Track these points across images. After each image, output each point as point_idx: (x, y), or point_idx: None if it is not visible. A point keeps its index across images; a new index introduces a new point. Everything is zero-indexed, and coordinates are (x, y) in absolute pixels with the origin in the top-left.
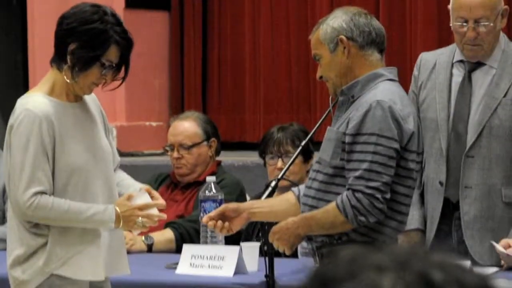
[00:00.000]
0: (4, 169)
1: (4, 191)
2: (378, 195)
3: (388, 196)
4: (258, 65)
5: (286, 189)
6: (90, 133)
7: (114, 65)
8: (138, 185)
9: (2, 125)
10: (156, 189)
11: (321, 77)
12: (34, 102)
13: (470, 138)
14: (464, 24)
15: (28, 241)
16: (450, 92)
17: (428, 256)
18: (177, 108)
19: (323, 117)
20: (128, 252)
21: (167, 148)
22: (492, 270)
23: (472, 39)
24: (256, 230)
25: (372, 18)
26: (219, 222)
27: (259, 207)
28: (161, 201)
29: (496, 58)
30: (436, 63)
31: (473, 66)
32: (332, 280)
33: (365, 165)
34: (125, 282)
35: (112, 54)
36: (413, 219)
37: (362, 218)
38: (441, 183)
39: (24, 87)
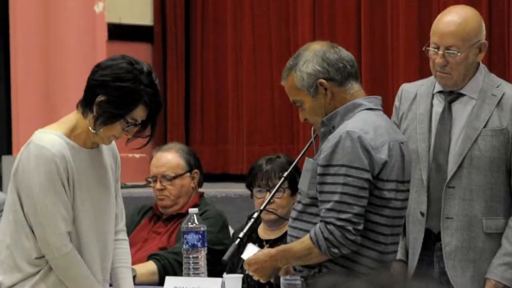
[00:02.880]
0: (9, 202)
1: None
2: (350, 227)
3: (360, 227)
4: (241, 97)
5: (272, 222)
6: (100, 182)
7: (138, 123)
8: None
9: None
10: (139, 221)
11: (305, 119)
12: (51, 141)
13: (451, 169)
14: (436, 50)
15: (18, 267)
16: (431, 123)
17: (407, 283)
18: (160, 140)
19: (305, 148)
20: (110, 284)
21: (150, 180)
22: None
23: (441, 67)
24: (240, 262)
25: (340, 49)
26: None
27: None
28: None
29: (476, 89)
30: (417, 94)
31: (453, 97)
32: None
33: (336, 197)
34: None
35: (138, 113)
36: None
37: (335, 250)
38: (422, 213)
39: (6, 118)
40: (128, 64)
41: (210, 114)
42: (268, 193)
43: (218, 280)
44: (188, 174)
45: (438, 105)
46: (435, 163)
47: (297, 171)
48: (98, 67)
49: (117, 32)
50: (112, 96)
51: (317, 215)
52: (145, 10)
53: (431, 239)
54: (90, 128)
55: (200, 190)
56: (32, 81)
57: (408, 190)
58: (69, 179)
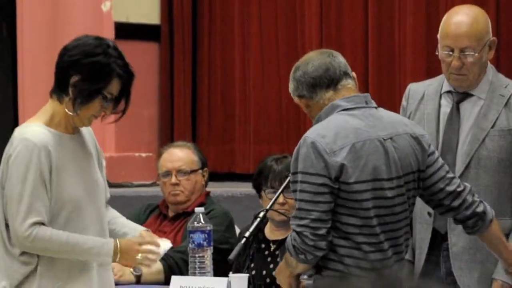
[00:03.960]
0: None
1: None
2: (307, 233)
3: (320, 231)
4: (248, 96)
5: (283, 223)
6: (86, 165)
7: (114, 98)
8: (133, 225)
9: None
10: (145, 220)
11: None
12: (33, 132)
13: (458, 169)
14: (450, 53)
15: (13, 272)
16: (439, 123)
17: (408, 283)
18: (167, 138)
19: None
20: (117, 283)
21: (163, 174)
22: None
23: (457, 69)
24: (247, 261)
25: (309, 62)
26: None
27: None
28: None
29: (484, 89)
30: (425, 94)
31: (461, 97)
32: None
33: (297, 204)
34: None
35: (114, 87)
36: None
37: (302, 256)
38: (429, 214)
39: (14, 119)
40: (94, 40)
41: (217, 113)
42: (282, 194)
43: (224, 280)
44: (201, 170)
45: (446, 105)
46: None
47: None
48: (65, 50)
49: (124, 31)
50: (86, 73)
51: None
52: (152, 9)
53: (438, 239)
54: (68, 112)
55: (207, 189)
56: (39, 81)
57: (403, 185)
58: (52, 167)
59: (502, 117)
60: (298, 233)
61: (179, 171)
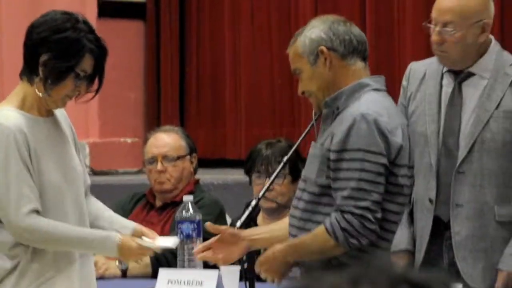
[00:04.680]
0: None
1: None
2: (369, 215)
3: (379, 215)
4: (239, 77)
5: (272, 211)
6: (62, 150)
7: (88, 75)
8: (126, 223)
9: None
10: (131, 210)
11: (303, 93)
12: (5, 116)
13: (461, 153)
14: (432, 26)
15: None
16: (440, 104)
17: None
18: (153, 123)
19: (305, 131)
20: (102, 277)
21: (149, 161)
22: None
23: (437, 44)
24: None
25: (352, 25)
26: (213, 254)
27: (259, 233)
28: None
29: (487, 67)
30: (426, 73)
31: (463, 76)
32: None
33: (352, 184)
34: None
35: (87, 63)
36: (401, 239)
37: (354, 241)
38: (431, 200)
39: None
40: (62, 15)
41: (206, 96)
42: (267, 179)
43: (214, 272)
44: (189, 156)
45: (448, 85)
46: (445, 147)
47: (298, 156)
48: (32, 27)
49: (108, 9)
50: (56, 51)
51: (330, 205)
52: None
53: (440, 228)
54: (40, 93)
55: (196, 176)
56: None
57: (412, 176)
58: (30, 151)
59: (507, 98)
60: (358, 215)
61: (165, 157)
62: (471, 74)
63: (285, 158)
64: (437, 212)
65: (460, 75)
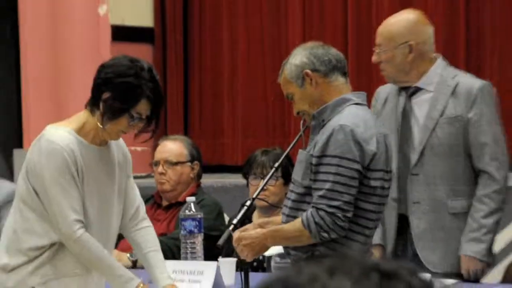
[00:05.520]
0: (21, 189)
1: None
2: (339, 214)
3: (349, 214)
4: (236, 94)
5: (265, 209)
6: (105, 180)
7: (143, 117)
8: (160, 274)
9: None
10: None
11: (298, 113)
12: (61, 137)
13: (414, 158)
14: (375, 48)
15: (23, 250)
16: (398, 118)
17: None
18: (160, 134)
19: (294, 140)
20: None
21: (154, 163)
22: (451, 281)
23: (376, 63)
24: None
25: (329, 47)
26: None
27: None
28: None
29: (433, 81)
30: (389, 93)
31: (412, 91)
32: (293, 286)
33: (328, 185)
34: None
35: (142, 107)
36: (375, 236)
37: (325, 234)
38: (394, 199)
39: (17, 114)
40: (129, 62)
41: (207, 110)
42: (262, 180)
43: (213, 264)
44: (189, 163)
45: (402, 101)
46: (401, 154)
47: (289, 162)
48: (103, 67)
49: (120, 33)
50: (116, 92)
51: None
52: (147, 12)
53: (404, 223)
54: (98, 124)
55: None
56: (41, 80)
57: (390, 179)
58: (78, 172)
59: (449, 106)
60: (329, 213)
61: (166, 162)
62: (419, 89)
63: (276, 164)
64: (400, 210)
65: (409, 91)
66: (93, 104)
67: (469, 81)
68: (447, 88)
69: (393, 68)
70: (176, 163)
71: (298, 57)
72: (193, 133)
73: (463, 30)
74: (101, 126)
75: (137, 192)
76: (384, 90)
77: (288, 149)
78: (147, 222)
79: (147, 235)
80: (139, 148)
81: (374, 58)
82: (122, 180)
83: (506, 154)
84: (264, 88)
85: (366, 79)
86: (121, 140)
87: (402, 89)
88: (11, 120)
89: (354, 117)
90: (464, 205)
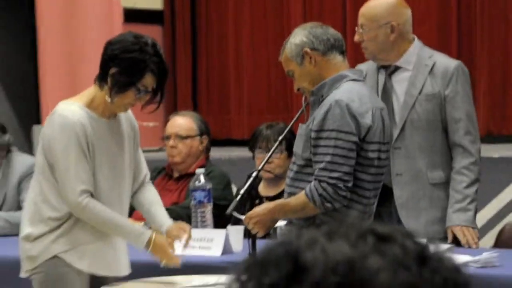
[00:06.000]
0: (39, 163)
1: (19, 183)
2: (340, 184)
3: (350, 184)
4: (241, 72)
5: (271, 180)
6: (116, 150)
7: (149, 90)
8: (165, 221)
9: (18, 128)
10: (153, 180)
11: (298, 89)
12: (72, 111)
13: (395, 132)
14: (356, 28)
15: (47, 219)
16: (378, 95)
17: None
18: (171, 110)
19: (297, 115)
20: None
21: (165, 137)
22: (445, 246)
23: (358, 42)
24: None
25: (327, 27)
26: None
27: None
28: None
29: (410, 60)
30: (367, 72)
31: (391, 69)
32: (294, 249)
33: (328, 158)
34: None
35: (148, 81)
36: None
37: (328, 205)
38: None
39: (35, 93)
40: (134, 38)
41: (214, 88)
42: (267, 153)
43: (222, 231)
44: (198, 137)
45: (381, 79)
46: None
47: (293, 136)
48: (109, 44)
49: (132, 15)
50: (122, 67)
51: (311, 174)
52: None
53: (388, 193)
54: (107, 98)
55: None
56: (57, 60)
57: (388, 150)
58: (88, 145)
59: (427, 84)
60: (331, 184)
61: (176, 136)
62: (398, 68)
63: (280, 137)
64: (384, 181)
65: (389, 69)
66: (101, 79)
67: (445, 61)
68: (425, 67)
69: (375, 46)
70: (186, 137)
71: (298, 36)
72: (202, 109)
73: (455, 25)
74: (110, 100)
75: (144, 161)
76: (361, 68)
77: (291, 123)
78: (149, 183)
79: (148, 191)
80: (151, 124)
81: (356, 38)
82: (131, 150)
83: (478, 129)
84: (268, 67)
85: (363, 60)
86: (129, 113)
87: (382, 67)
88: (30, 99)
89: (350, 93)
90: (441, 176)
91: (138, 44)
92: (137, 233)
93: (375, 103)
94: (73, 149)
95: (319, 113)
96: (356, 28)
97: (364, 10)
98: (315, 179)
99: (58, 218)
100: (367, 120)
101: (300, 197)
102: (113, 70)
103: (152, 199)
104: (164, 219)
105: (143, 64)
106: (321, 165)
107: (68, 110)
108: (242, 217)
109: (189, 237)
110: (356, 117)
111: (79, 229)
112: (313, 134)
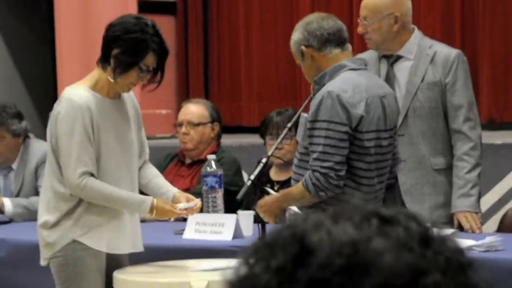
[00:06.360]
0: (48, 150)
1: (37, 169)
2: (332, 174)
3: (342, 173)
4: (251, 61)
5: (282, 166)
6: (123, 127)
7: (151, 69)
8: (170, 188)
9: (35, 115)
10: (166, 166)
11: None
12: (78, 94)
13: (399, 120)
14: (359, 20)
15: (60, 206)
16: None
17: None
18: (183, 98)
19: (305, 102)
20: (143, 221)
21: (178, 124)
22: (449, 230)
23: (361, 33)
24: (255, 200)
25: (324, 20)
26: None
27: None
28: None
29: (412, 50)
30: (368, 61)
31: (393, 59)
32: (300, 232)
33: (320, 148)
34: None
35: (149, 60)
36: None
37: (322, 193)
38: None
39: (53, 81)
40: (134, 19)
41: (225, 76)
42: (286, 139)
43: (233, 216)
44: (209, 124)
45: (383, 68)
46: None
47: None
48: (110, 26)
49: (146, 6)
50: (124, 47)
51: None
52: None
53: (392, 181)
54: (110, 79)
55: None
56: (73, 50)
57: (392, 136)
58: (93, 126)
59: (429, 72)
60: (323, 173)
61: (189, 123)
62: (400, 57)
63: (289, 124)
64: None
65: (391, 59)
66: (104, 60)
67: (445, 50)
68: (426, 57)
69: (379, 36)
70: (198, 124)
71: (296, 33)
72: (213, 97)
73: (458, 16)
74: (113, 80)
75: (145, 140)
76: (363, 57)
77: (300, 110)
78: (151, 164)
79: (151, 168)
80: (164, 111)
81: (360, 29)
82: (136, 129)
83: (478, 115)
84: (277, 55)
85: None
86: (131, 93)
87: (383, 56)
88: (48, 87)
89: (344, 83)
90: (443, 162)
91: (139, 24)
92: (139, 201)
93: (373, 91)
94: (77, 132)
95: (313, 103)
96: (359, 20)
97: (367, 1)
98: (310, 169)
99: (70, 204)
100: (358, 111)
101: (299, 187)
102: (116, 51)
103: (156, 173)
104: (170, 187)
105: (145, 44)
106: (314, 155)
107: (75, 94)
108: (272, 191)
109: (196, 207)
110: (347, 107)
111: (92, 212)
112: (308, 125)
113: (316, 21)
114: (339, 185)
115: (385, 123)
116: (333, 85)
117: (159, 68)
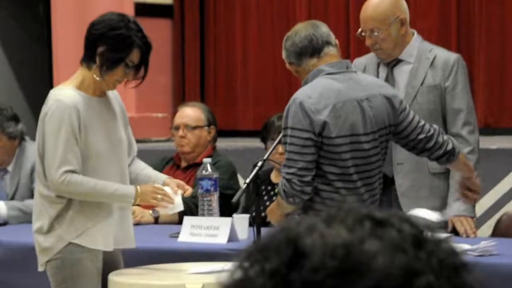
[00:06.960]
0: (36, 153)
1: (32, 171)
2: (295, 179)
3: (306, 178)
4: (248, 65)
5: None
6: (110, 125)
7: (135, 65)
8: (160, 175)
9: (31, 118)
10: (161, 169)
11: None
12: (65, 95)
13: None
14: (363, 34)
15: (49, 211)
16: None
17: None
18: (179, 101)
19: None
20: (138, 224)
21: (174, 128)
22: (443, 235)
23: (372, 45)
24: (254, 203)
25: (296, 34)
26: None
27: None
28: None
29: (412, 54)
30: (366, 65)
31: (394, 63)
32: (294, 235)
33: (286, 155)
34: (134, 250)
35: (134, 56)
36: None
37: (290, 199)
38: None
39: (49, 84)
40: (117, 16)
41: (221, 80)
42: (281, 144)
43: (228, 220)
44: (206, 128)
45: (383, 71)
46: None
47: None
48: (93, 24)
49: (142, 9)
50: (110, 44)
51: None
52: None
53: (387, 183)
54: (96, 77)
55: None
56: (70, 53)
57: (377, 139)
58: (81, 126)
59: (428, 76)
60: (287, 179)
61: (186, 126)
62: (400, 61)
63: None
64: (384, 170)
65: (391, 62)
66: (88, 59)
67: (445, 54)
68: (426, 61)
69: (390, 43)
70: (195, 127)
71: (283, 52)
72: (209, 101)
73: (454, 21)
74: (99, 78)
75: (133, 138)
76: (360, 62)
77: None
78: (137, 158)
79: (140, 163)
80: (160, 115)
81: (368, 42)
82: (122, 124)
83: (476, 120)
84: (274, 59)
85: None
86: (115, 92)
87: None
88: (44, 89)
89: (311, 89)
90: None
91: (123, 21)
92: (123, 191)
93: (349, 95)
94: (63, 131)
95: (285, 110)
96: (363, 33)
97: (371, 13)
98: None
99: (58, 207)
100: (321, 117)
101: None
102: (101, 49)
103: (144, 166)
104: (159, 175)
105: (130, 39)
106: (284, 162)
107: (62, 94)
108: None
109: (186, 190)
110: (309, 114)
111: (84, 213)
112: (282, 131)
113: (290, 37)
114: (303, 191)
115: (365, 127)
116: (300, 92)
117: (143, 63)
